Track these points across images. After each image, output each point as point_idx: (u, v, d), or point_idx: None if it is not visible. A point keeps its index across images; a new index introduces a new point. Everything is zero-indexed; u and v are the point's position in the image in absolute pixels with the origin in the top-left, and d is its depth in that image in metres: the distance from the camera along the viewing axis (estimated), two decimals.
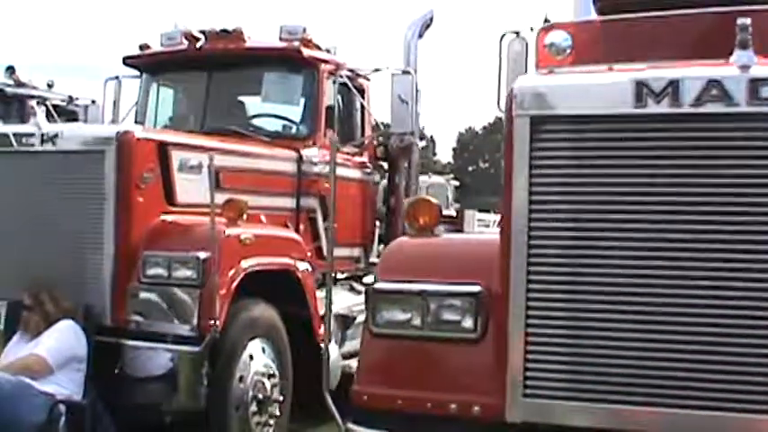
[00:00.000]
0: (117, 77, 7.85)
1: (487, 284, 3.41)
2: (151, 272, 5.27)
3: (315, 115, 6.94)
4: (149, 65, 7.38)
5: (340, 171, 7.29)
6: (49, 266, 5.36)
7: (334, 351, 6.52)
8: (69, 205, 5.41)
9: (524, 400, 3.07)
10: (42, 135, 5.48)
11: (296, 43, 6.86)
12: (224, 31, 7.01)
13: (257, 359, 5.63)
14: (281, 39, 7.02)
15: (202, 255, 5.17)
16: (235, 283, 5.34)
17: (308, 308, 6.08)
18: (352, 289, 7.28)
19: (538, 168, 3.11)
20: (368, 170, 7.48)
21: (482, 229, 15.87)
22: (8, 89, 8.71)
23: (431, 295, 3.45)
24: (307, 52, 6.87)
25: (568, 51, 4.38)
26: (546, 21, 5.88)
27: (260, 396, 5.62)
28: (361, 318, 7.08)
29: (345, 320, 6.80)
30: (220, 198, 5.88)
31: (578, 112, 3.10)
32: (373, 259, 7.65)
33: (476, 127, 61.86)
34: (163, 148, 5.59)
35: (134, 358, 5.27)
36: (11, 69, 8.82)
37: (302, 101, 6.96)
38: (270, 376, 5.70)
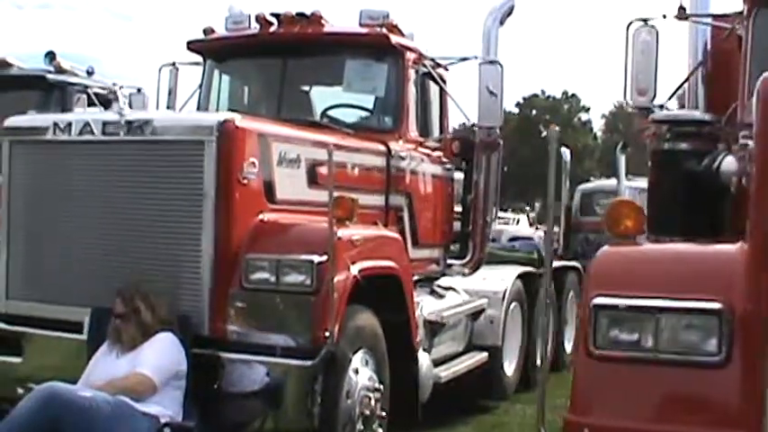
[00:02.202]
0: (173, 64, 7.21)
1: (728, 300, 2.86)
2: (255, 276, 4.60)
3: (400, 107, 6.32)
4: (215, 50, 6.70)
5: (423, 167, 6.80)
6: (139, 270, 4.70)
7: (425, 360, 6.03)
8: (161, 202, 4.72)
9: None
10: (129, 123, 4.82)
11: (381, 29, 6.28)
12: (300, 14, 6.37)
13: (362, 372, 4.99)
14: (361, 24, 6.41)
15: (316, 258, 4.57)
16: (348, 290, 4.73)
17: (406, 313, 5.48)
18: (433, 292, 6.70)
19: None
20: (448, 166, 6.90)
21: None
22: (49, 76, 8.00)
23: (665, 312, 2.89)
24: (394, 39, 6.25)
25: None
26: (681, 8, 5.37)
27: (366, 412, 5.01)
28: (451, 323, 6.55)
29: (433, 327, 6.21)
30: (317, 195, 5.32)
31: None
32: (450, 261, 7.13)
33: None
34: (263, 140, 4.94)
35: (233, 372, 4.64)
36: (51, 55, 8.07)
37: (387, 91, 6.31)
38: (374, 390, 5.11)
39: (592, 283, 3.12)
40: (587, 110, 58.47)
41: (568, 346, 9.41)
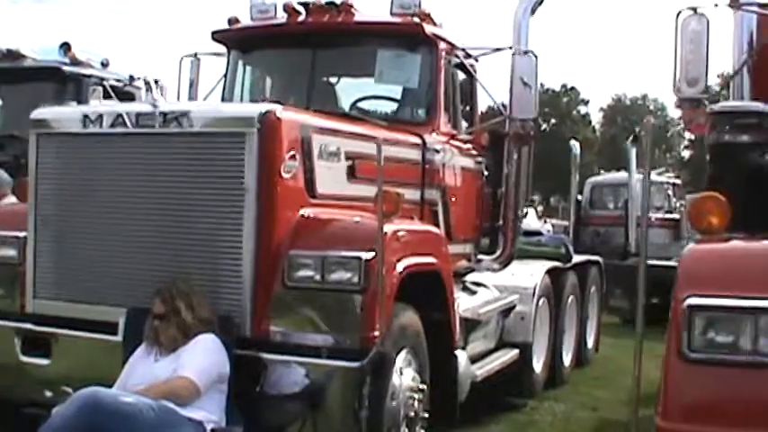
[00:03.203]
0: (195, 54, 6.95)
1: None
2: (299, 274, 4.34)
3: (434, 98, 6.07)
4: (240, 40, 6.45)
5: (456, 161, 6.58)
6: (176, 268, 4.44)
7: (464, 358, 5.82)
8: (199, 197, 4.45)
9: None
10: (164, 115, 4.57)
11: (414, 18, 6.04)
12: (330, 3, 6.11)
13: (406, 373, 4.74)
14: (392, 13, 6.16)
15: (364, 255, 4.34)
16: (395, 288, 4.50)
17: (447, 311, 5.26)
18: (465, 288, 6.48)
19: None
20: (479, 159, 6.68)
21: None
22: (65, 68, 7.73)
23: (765, 313, 2.69)
24: (429, 29, 6.02)
25: None
26: None
27: (411, 414, 4.79)
28: (485, 320, 6.34)
29: (468, 324, 5.99)
30: (356, 190, 5.09)
31: None
32: (480, 256, 6.92)
33: None
34: (304, 132, 4.68)
35: (276, 374, 4.39)
36: (66, 46, 7.81)
37: (420, 82, 6.07)
38: (418, 391, 4.88)
39: (684, 283, 2.92)
40: (586, 103, 58.29)
41: (590, 342, 9.25)
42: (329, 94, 6.31)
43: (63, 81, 7.80)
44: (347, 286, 4.31)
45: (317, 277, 4.34)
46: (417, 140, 5.76)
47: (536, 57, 6.19)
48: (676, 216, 14.28)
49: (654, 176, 15.36)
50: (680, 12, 5.17)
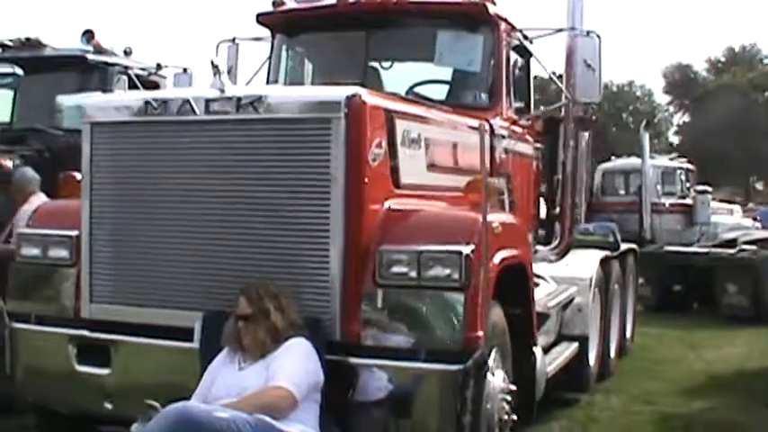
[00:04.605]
0: (233, 40, 6.48)
1: None
2: (392, 271, 3.92)
3: (497, 82, 5.67)
4: (286, 24, 6.00)
5: (519, 147, 6.18)
6: (255, 267, 4.01)
7: (540, 355, 5.44)
8: (279, 189, 4.01)
9: None
10: (239, 99, 4.14)
11: None
12: None
13: (497, 374, 4.40)
14: None
15: (465, 249, 3.94)
16: (494, 284, 4.12)
17: (527, 306, 4.88)
18: None
19: None
20: (537, 145, 6.32)
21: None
22: (90, 56, 7.23)
23: None
24: (492, 9, 5.62)
25: None
26: None
27: (504, 418, 4.42)
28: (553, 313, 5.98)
29: (538, 318, 5.63)
30: (435, 179, 4.70)
31: None
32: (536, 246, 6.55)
33: None
34: (389, 117, 4.24)
35: (369, 380, 3.98)
36: (89, 34, 7.30)
37: (483, 65, 5.67)
38: (508, 392, 4.51)
39: None
40: None
41: (628, 331, 8.95)
42: (384, 78, 5.90)
43: (88, 70, 7.28)
44: (447, 283, 3.89)
45: (413, 274, 3.92)
46: (486, 126, 5.36)
47: (599, 38, 5.83)
48: (689, 201, 14.05)
49: (666, 162, 15.12)
50: None
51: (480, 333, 3.89)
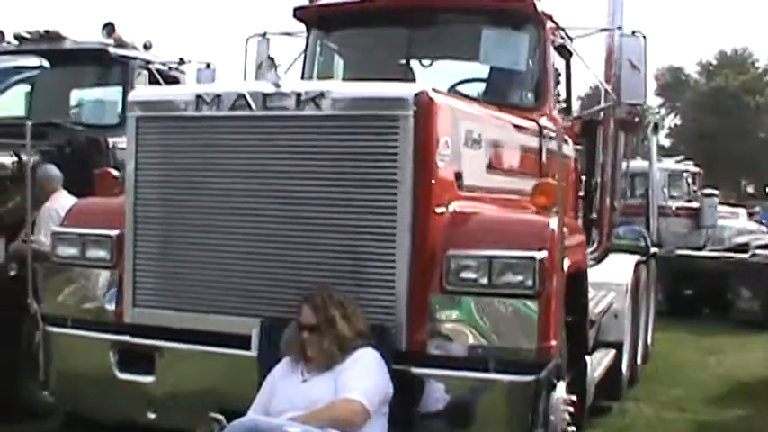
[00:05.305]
0: (264, 34, 6.26)
1: None
2: (461, 276, 3.72)
3: (543, 81, 5.48)
4: (323, 19, 5.79)
5: (564, 149, 5.96)
6: (315, 272, 3.79)
7: (590, 362, 5.27)
8: (342, 189, 3.80)
9: None
10: (298, 95, 3.92)
11: None
12: None
13: (559, 384, 4.24)
14: None
15: (538, 254, 3.75)
16: (564, 290, 3.93)
17: (584, 312, 4.71)
18: None
19: None
20: (578, 147, 6.15)
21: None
22: (111, 50, 6.96)
23: None
24: (539, 6, 5.45)
25: None
26: None
27: (568, 429, 4.25)
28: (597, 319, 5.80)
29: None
30: (493, 181, 4.51)
31: None
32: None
33: None
34: (454, 116, 4.04)
35: (436, 392, 3.76)
36: (110, 27, 7.03)
37: (530, 64, 5.47)
38: (570, 404, 4.33)
39: None
40: None
41: (650, 337, 8.82)
42: (425, 77, 5.69)
43: (108, 64, 6.98)
44: (519, 290, 3.69)
45: (483, 280, 3.72)
46: (536, 126, 5.20)
47: (644, 37, 5.67)
48: (696, 205, 13.94)
49: (672, 165, 15.00)
50: None
51: (554, 342, 3.71)
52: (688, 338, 10.34)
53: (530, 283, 3.69)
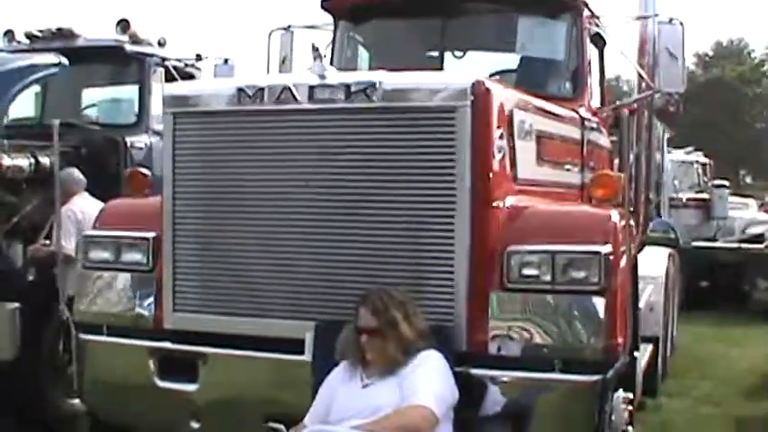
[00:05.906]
0: (288, 27, 6.07)
1: None
2: (523, 273, 3.55)
3: (581, 71, 5.31)
4: (353, 11, 5.59)
5: (603, 140, 5.83)
6: (371, 272, 3.62)
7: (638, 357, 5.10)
8: (396, 184, 3.62)
9: None
10: (347, 86, 3.74)
11: None
12: None
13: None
14: None
15: (604, 249, 3.56)
16: (630, 286, 3.78)
17: (636, 306, 4.52)
18: None
19: None
20: (613, 138, 5.99)
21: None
22: (127, 47, 6.76)
23: None
24: None
25: None
26: None
27: (629, 430, 4.09)
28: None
29: None
30: (544, 173, 4.36)
31: None
32: None
33: None
34: (508, 107, 3.87)
35: (498, 394, 3.60)
36: (125, 23, 6.83)
37: (567, 53, 5.30)
38: (630, 403, 4.18)
39: None
40: None
41: (675, 330, 8.68)
42: (455, 68, 5.51)
43: (124, 61, 6.80)
44: (585, 286, 3.52)
45: (546, 277, 3.55)
46: (578, 117, 5.03)
47: (682, 25, 5.51)
48: (706, 196, 13.80)
49: (682, 155, 14.86)
50: None
51: (621, 340, 3.55)
52: (707, 331, 10.19)
53: (595, 278, 3.51)
